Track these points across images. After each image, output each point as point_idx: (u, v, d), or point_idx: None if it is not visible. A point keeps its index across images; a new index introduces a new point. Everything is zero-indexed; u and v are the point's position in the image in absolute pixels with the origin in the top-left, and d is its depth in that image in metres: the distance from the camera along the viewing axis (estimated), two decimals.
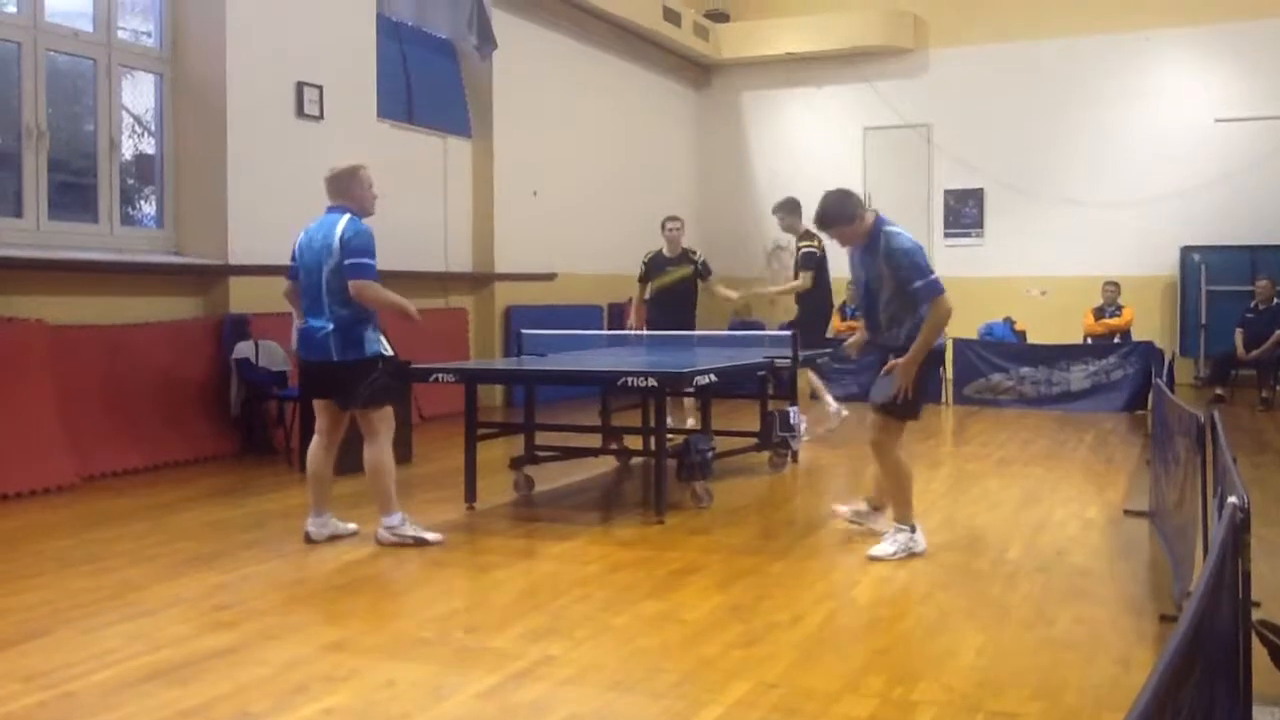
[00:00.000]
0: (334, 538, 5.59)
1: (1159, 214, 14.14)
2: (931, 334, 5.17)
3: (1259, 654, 2.94)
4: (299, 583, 4.88)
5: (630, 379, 5.85)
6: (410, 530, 5.51)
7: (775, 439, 7.54)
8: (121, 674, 3.65)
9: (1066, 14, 14.47)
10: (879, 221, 5.33)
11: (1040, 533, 5.83)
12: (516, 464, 6.88)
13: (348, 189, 5.52)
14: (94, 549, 5.41)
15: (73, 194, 8.15)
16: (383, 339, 5.57)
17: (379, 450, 5.50)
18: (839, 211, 5.33)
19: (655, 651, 3.91)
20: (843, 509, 5.84)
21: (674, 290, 9.06)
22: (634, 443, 7.51)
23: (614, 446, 7.55)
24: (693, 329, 8.91)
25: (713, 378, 6.14)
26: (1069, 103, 14.55)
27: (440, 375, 6.48)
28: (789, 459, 7.80)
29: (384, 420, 5.55)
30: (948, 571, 5.03)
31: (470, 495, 6.41)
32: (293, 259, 5.64)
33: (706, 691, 3.51)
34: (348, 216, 5.43)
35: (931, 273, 5.19)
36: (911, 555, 5.22)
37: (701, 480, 6.41)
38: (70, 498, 6.70)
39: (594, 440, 7.51)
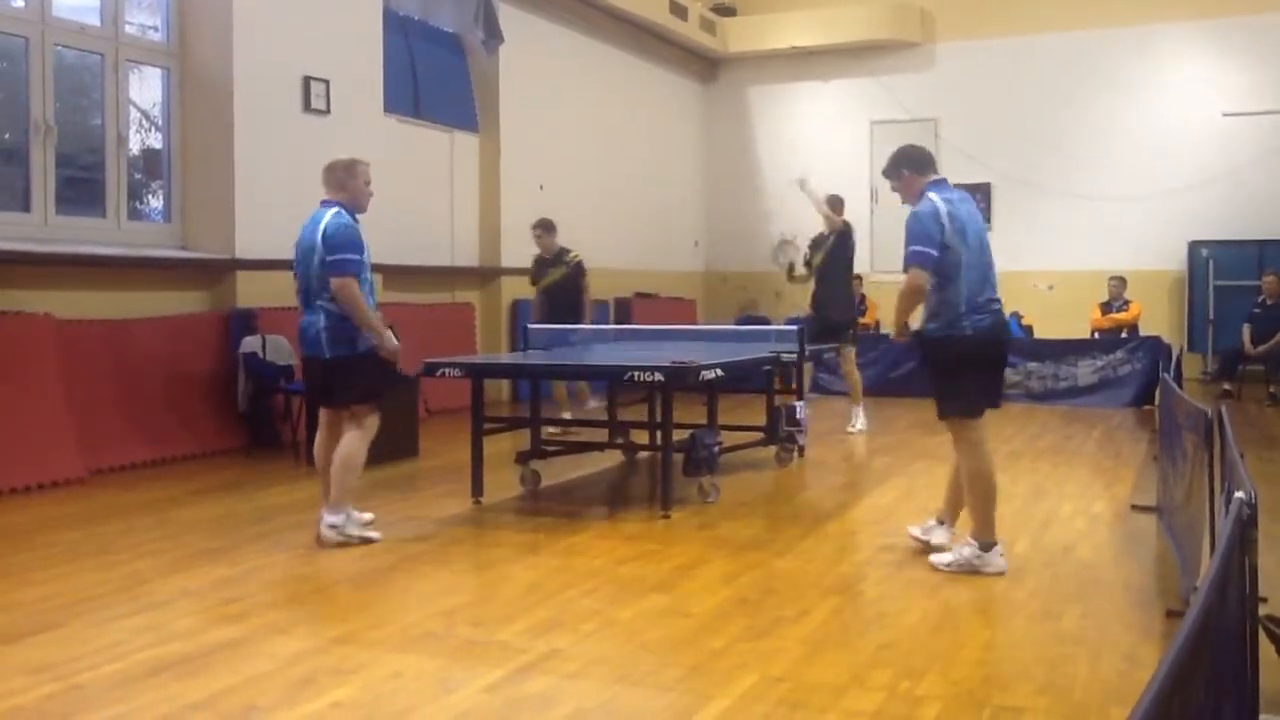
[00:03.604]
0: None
1: (1166, 209, 14.10)
2: (899, 301, 4.93)
3: (1266, 649, 2.94)
4: (306, 576, 4.90)
5: (636, 373, 5.86)
6: (355, 530, 5.41)
7: (781, 433, 7.54)
8: (130, 667, 3.67)
9: (1073, 8, 14.42)
10: (927, 187, 5.02)
11: (1047, 528, 5.83)
12: (523, 458, 6.88)
13: (343, 183, 5.45)
14: (102, 543, 5.43)
15: (80, 188, 8.16)
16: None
17: (357, 445, 5.39)
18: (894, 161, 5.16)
19: (661, 645, 3.92)
20: (915, 530, 5.37)
21: (554, 289, 9.48)
22: (640, 437, 7.51)
23: (620, 440, 7.55)
24: (580, 322, 9.10)
25: (719, 372, 6.14)
26: (1076, 97, 14.51)
27: (447, 370, 6.48)
28: (795, 453, 7.80)
29: (373, 418, 5.47)
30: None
31: (477, 490, 6.41)
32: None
33: (713, 685, 3.51)
34: (334, 210, 5.35)
35: (920, 242, 4.83)
36: (976, 574, 4.80)
37: (708, 475, 6.41)
38: (78, 492, 6.71)
39: (600, 435, 7.51)
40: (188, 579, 4.77)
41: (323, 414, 5.61)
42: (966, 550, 4.85)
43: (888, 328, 13.47)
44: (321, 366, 5.40)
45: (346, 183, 5.45)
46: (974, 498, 4.92)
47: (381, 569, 5.02)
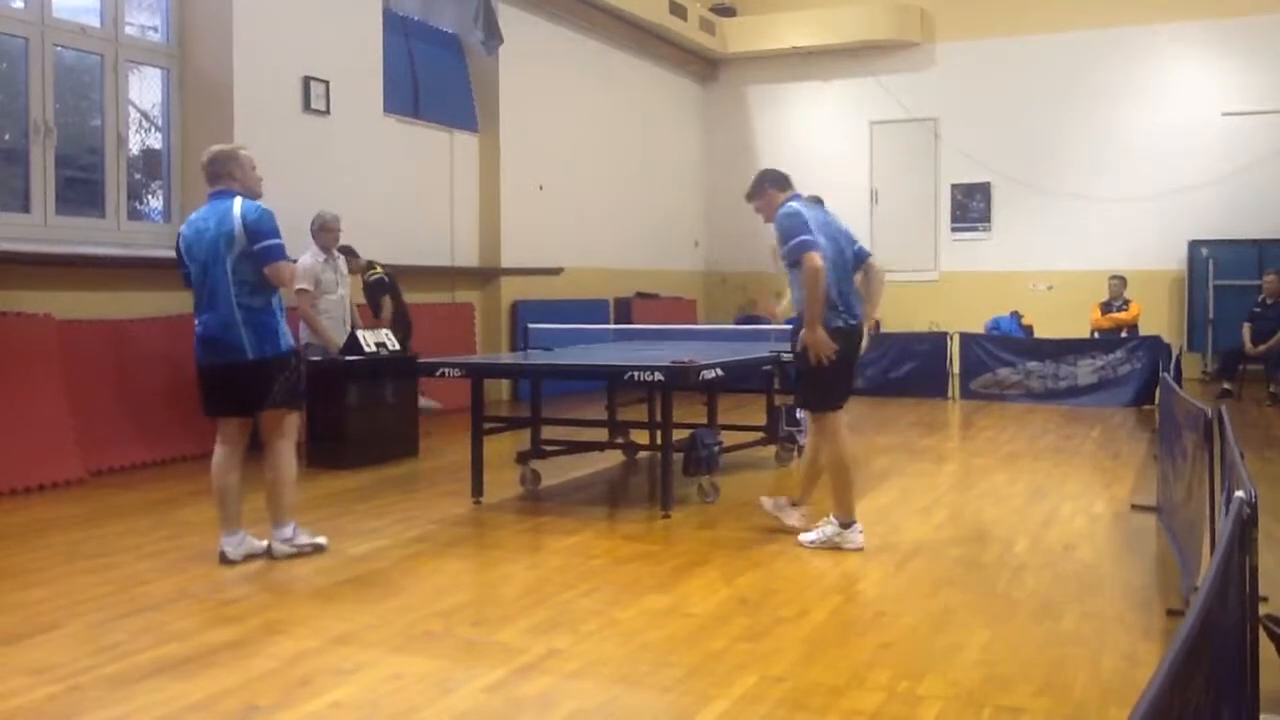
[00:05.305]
0: (250, 556, 5.10)
1: (1166, 208, 14.10)
2: (811, 288, 5.10)
3: (1266, 649, 2.94)
4: (305, 577, 4.89)
5: (636, 373, 5.86)
6: (305, 539, 5.21)
7: (781, 433, 7.53)
8: (129, 668, 3.67)
9: (1074, 8, 14.42)
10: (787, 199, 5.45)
11: (1047, 527, 5.83)
12: (523, 458, 6.88)
13: (229, 172, 5.09)
14: (102, 544, 5.43)
15: (80, 189, 8.16)
16: (289, 332, 5.23)
17: (286, 457, 5.16)
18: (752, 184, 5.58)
19: (661, 645, 3.92)
20: (767, 501, 5.84)
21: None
22: (640, 437, 7.52)
23: (620, 440, 7.55)
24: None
25: (719, 372, 6.14)
26: (1076, 97, 14.51)
27: (447, 369, 6.48)
28: (795, 453, 7.79)
29: (294, 424, 5.23)
30: (954, 566, 5.02)
31: (477, 490, 6.42)
32: (180, 256, 5.12)
33: (712, 685, 3.51)
34: (240, 199, 5.03)
35: (801, 234, 5.18)
36: (837, 550, 5.26)
37: (708, 475, 6.41)
38: (78, 492, 6.71)
39: (600, 434, 7.51)
40: (186, 580, 4.78)
41: (226, 428, 5.16)
42: (829, 529, 5.34)
43: (886, 327, 13.51)
44: (246, 369, 5.00)
45: (234, 172, 5.09)
46: (836, 482, 5.40)
47: (381, 569, 5.02)
